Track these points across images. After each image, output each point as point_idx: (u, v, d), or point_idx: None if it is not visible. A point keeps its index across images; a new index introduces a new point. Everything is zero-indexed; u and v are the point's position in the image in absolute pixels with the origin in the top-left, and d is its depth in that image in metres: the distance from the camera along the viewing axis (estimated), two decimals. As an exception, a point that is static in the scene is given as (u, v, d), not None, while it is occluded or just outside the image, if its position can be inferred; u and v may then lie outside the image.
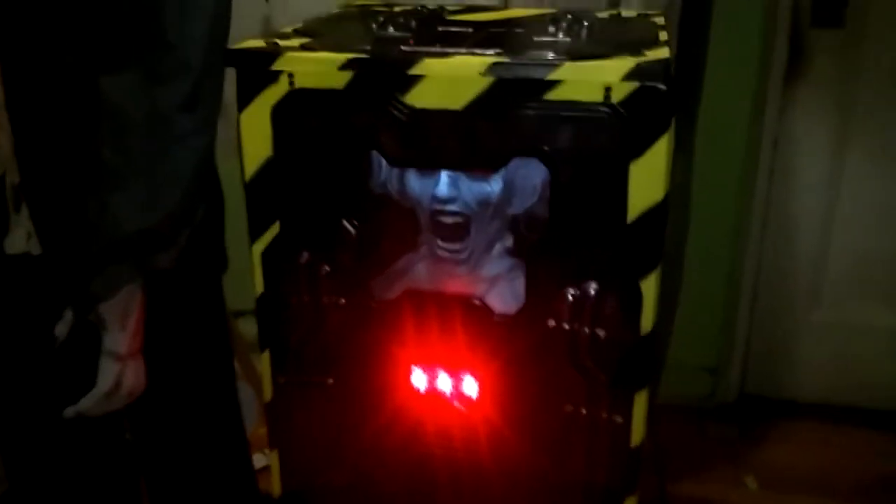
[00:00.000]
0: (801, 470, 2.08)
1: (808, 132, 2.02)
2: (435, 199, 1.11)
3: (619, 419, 1.00)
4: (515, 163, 1.02)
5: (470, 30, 1.11)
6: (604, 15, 1.22)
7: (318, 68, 0.94)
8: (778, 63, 1.92)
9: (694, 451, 2.17)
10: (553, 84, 0.88)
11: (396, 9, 1.28)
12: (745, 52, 1.94)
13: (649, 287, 0.94)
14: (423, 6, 1.29)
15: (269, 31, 2.06)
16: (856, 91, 1.96)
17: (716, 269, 2.16)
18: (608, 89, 0.87)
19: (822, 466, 2.09)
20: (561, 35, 1.02)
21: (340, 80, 0.94)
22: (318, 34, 1.06)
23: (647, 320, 0.95)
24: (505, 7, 1.58)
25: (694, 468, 2.09)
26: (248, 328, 1.11)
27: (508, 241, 1.15)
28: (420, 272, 1.17)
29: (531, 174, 1.06)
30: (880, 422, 2.22)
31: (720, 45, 1.87)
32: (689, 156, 1.80)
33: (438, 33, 1.09)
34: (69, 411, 1.03)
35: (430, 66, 0.91)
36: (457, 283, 1.14)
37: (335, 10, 1.31)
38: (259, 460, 1.46)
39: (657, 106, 0.87)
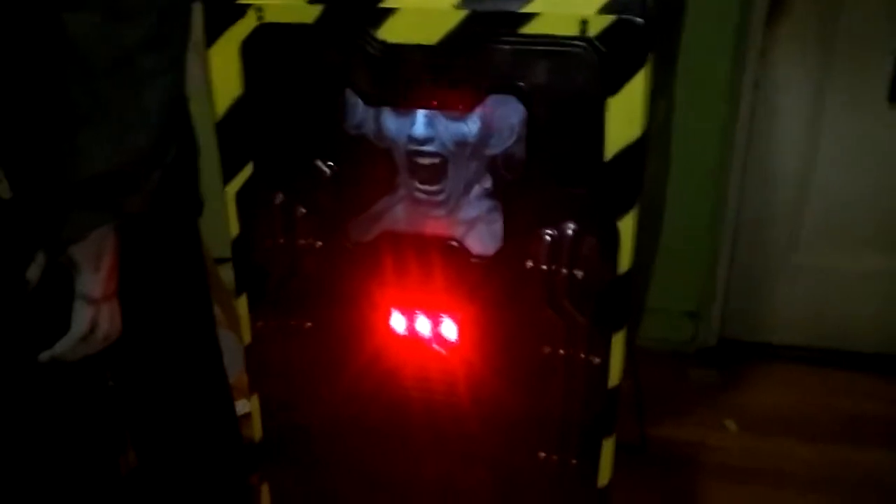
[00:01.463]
0: (780, 412, 2.11)
1: (789, 74, 2.01)
2: (411, 139, 1.09)
3: (596, 360, 1.00)
4: (493, 102, 1.00)
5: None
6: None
7: (288, 1, 0.91)
8: (760, 5, 1.90)
9: (674, 394, 2.20)
10: (528, 17, 0.86)
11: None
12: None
13: (627, 226, 0.93)
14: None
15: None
16: (836, 34, 1.94)
17: (697, 214, 2.16)
18: (584, 22, 0.84)
19: (800, 408, 2.13)
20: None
21: (310, 14, 0.91)
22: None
23: (624, 260, 0.94)
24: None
25: (674, 411, 2.12)
26: (230, 275, 1.10)
27: (487, 183, 1.14)
28: (398, 214, 1.15)
29: (509, 114, 1.04)
30: (857, 363, 2.25)
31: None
32: (669, 99, 1.78)
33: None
34: (44, 355, 1.02)
35: (402, -1, 0.88)
36: (435, 226, 1.12)
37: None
38: (243, 407, 1.46)
39: (634, 40, 0.84)
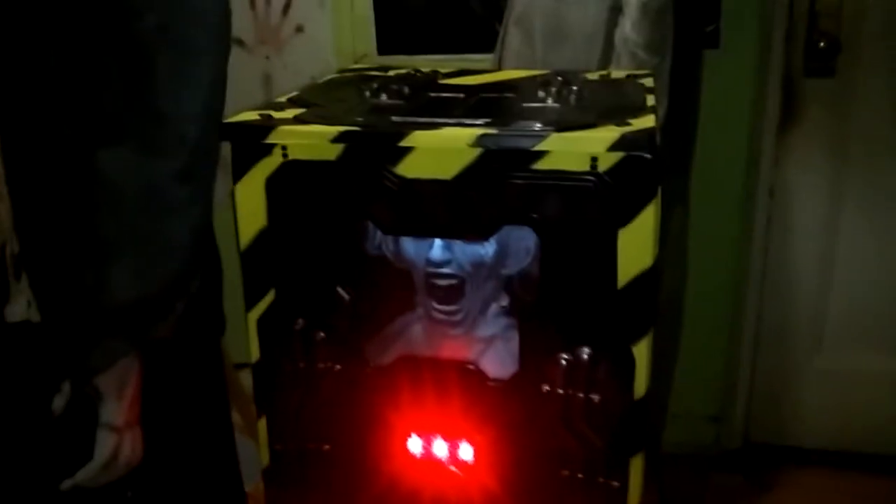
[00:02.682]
0: (808, 518, 2.06)
1: (804, 181, 2.04)
2: (429, 262, 1.12)
3: (615, 483, 1.00)
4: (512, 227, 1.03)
5: (461, 95, 1.13)
6: (594, 76, 1.24)
7: (311, 141, 0.96)
8: (771, 113, 1.94)
9: (699, 500, 2.15)
10: (540, 154, 0.89)
11: (391, 73, 1.30)
12: (739, 103, 1.96)
13: (642, 352, 0.94)
14: (417, 70, 1.31)
15: (268, 90, 2.12)
16: (849, 139, 1.98)
17: (717, 318, 2.16)
18: (594, 159, 0.88)
19: (829, 514, 2.08)
20: (550, 101, 1.04)
21: (332, 152, 0.95)
22: (311, 104, 1.08)
23: (640, 385, 0.95)
24: (498, 67, 1.61)
25: (699, 518, 2.07)
26: (249, 381, 1.12)
27: (504, 301, 1.16)
28: (416, 334, 1.17)
29: (524, 236, 1.07)
30: (886, 467, 2.20)
31: (714, 96, 1.90)
32: (685, 208, 1.82)
33: (430, 100, 1.11)
34: (66, 484, 1.02)
35: (419, 139, 0.92)
36: (453, 345, 1.14)
37: (332, 74, 1.33)
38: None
39: (643, 174, 0.88)
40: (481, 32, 1.83)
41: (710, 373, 2.21)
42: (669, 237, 1.77)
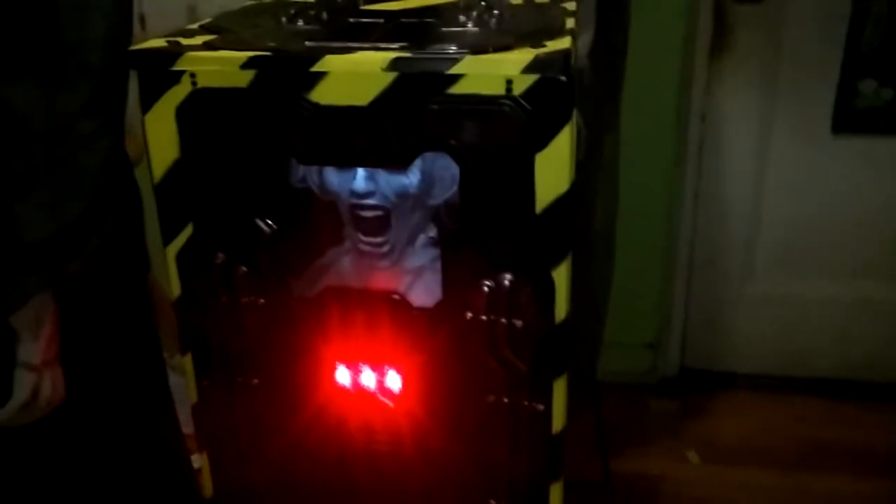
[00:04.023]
0: (742, 441, 2.13)
1: (735, 106, 2.06)
2: (353, 193, 1.10)
3: (540, 407, 1.01)
4: (432, 154, 1.02)
5: (381, 20, 1.10)
6: (517, 0, 1.22)
7: (220, 67, 0.92)
8: (702, 38, 1.95)
9: (636, 426, 2.21)
10: (455, 78, 0.88)
11: None
12: (670, 29, 1.96)
13: (561, 276, 0.95)
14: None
15: (193, 22, 2.04)
16: (779, 63, 2.00)
17: (651, 246, 2.19)
18: (509, 82, 0.87)
19: (761, 436, 2.15)
20: (470, 25, 1.02)
21: (243, 78, 0.92)
22: (224, 30, 1.04)
23: (560, 309, 0.96)
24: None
25: (637, 444, 2.13)
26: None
27: (432, 232, 1.15)
28: (344, 267, 1.16)
29: (449, 164, 1.06)
30: (816, 389, 2.28)
31: (645, 22, 1.88)
32: (615, 134, 1.82)
33: (348, 25, 1.08)
34: (-14, 423, 1.01)
35: (332, 63, 0.90)
36: (381, 277, 1.14)
37: (250, 2, 1.29)
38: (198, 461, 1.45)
39: (559, 97, 0.87)
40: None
41: (645, 300, 2.25)
42: (601, 165, 1.77)
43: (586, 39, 1.40)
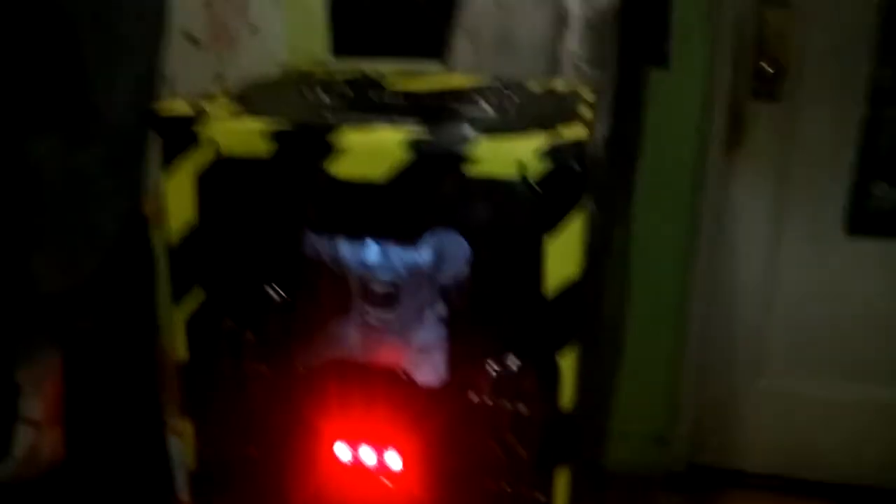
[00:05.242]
0: (748, 541, 2.07)
1: (748, 202, 2.06)
2: (364, 266, 1.11)
3: (541, 497, 0.99)
4: (444, 232, 1.02)
5: (403, 100, 1.13)
6: (536, 86, 1.24)
7: (242, 137, 0.95)
8: (717, 134, 1.97)
9: (641, 520, 2.15)
10: (470, 159, 0.89)
11: (337, 75, 1.30)
12: (686, 124, 1.98)
13: (568, 363, 0.94)
14: (363, 73, 1.30)
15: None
16: (792, 162, 2.01)
17: (660, 339, 2.17)
18: (523, 167, 0.88)
19: (769, 537, 2.09)
20: (488, 108, 1.04)
21: (265, 148, 0.94)
22: (248, 99, 1.06)
23: (566, 396, 0.95)
24: (447, 70, 1.61)
25: (641, 538, 2.07)
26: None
27: (440, 310, 1.15)
28: (351, 339, 1.16)
29: (461, 244, 1.07)
30: (827, 493, 2.22)
31: (661, 116, 1.91)
32: (626, 227, 1.83)
33: (370, 102, 1.11)
34: (-17, 479, 1.00)
35: (351, 138, 0.92)
36: (387, 352, 1.13)
37: (276, 75, 1.32)
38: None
39: (571, 184, 0.88)
40: (435, 38, 1.83)
41: (654, 393, 2.21)
42: (612, 255, 1.78)
43: (601, 129, 1.42)
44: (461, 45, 1.58)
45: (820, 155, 1.99)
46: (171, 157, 0.97)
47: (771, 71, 1.90)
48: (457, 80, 1.28)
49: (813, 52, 1.92)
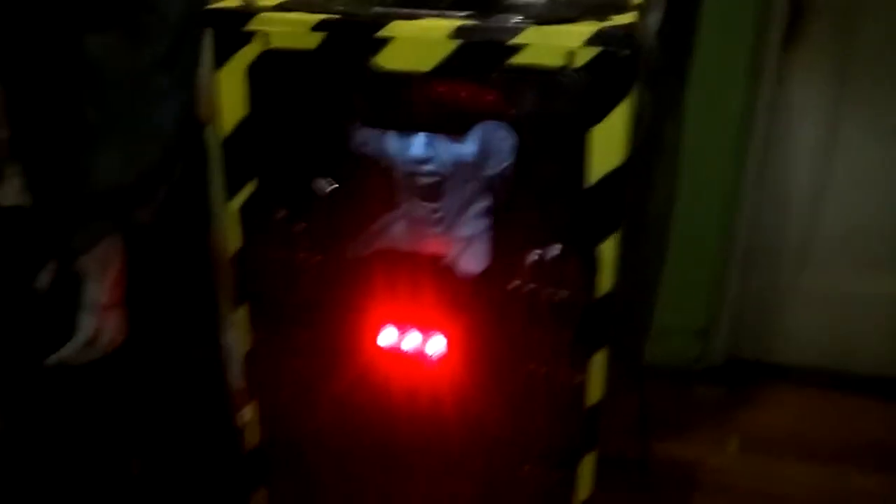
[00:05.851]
0: (784, 432, 2.11)
1: (805, 98, 2.02)
2: (411, 159, 1.13)
3: (578, 378, 1.03)
4: (490, 124, 1.03)
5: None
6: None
7: (291, 29, 0.96)
8: (776, 26, 1.91)
9: (680, 411, 2.20)
10: (517, 48, 0.89)
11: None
12: (744, 16, 1.92)
13: (608, 251, 0.96)
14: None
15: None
16: (852, 59, 1.95)
17: (707, 233, 2.16)
18: (571, 54, 0.88)
19: (806, 431, 2.12)
20: (538, -2, 1.03)
21: (313, 40, 0.95)
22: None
23: (605, 282, 0.98)
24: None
25: (678, 429, 2.12)
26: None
27: (486, 202, 1.17)
28: (398, 231, 1.19)
29: (506, 136, 1.07)
30: (865, 386, 2.24)
31: (718, 6, 1.86)
32: (678, 119, 1.80)
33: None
34: (51, 359, 1.07)
35: (398, 28, 0.92)
36: (432, 243, 1.16)
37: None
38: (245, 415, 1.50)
39: (619, 72, 0.88)
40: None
41: (697, 286, 2.22)
42: (663, 147, 1.76)
43: (656, 17, 1.39)
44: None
45: (881, 52, 1.92)
46: (223, 51, 0.98)
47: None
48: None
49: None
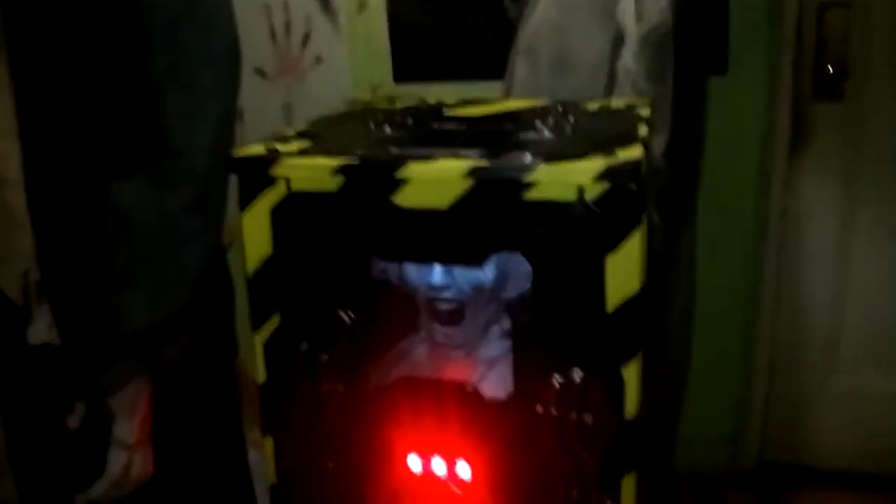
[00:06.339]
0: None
1: (816, 203, 2.05)
2: (431, 286, 1.16)
3: (608, 502, 1.02)
4: (507, 254, 1.06)
5: (462, 127, 1.17)
6: (593, 106, 1.28)
7: (313, 174, 1.00)
8: (782, 137, 1.97)
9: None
10: (529, 185, 0.93)
11: (398, 105, 1.35)
12: (750, 128, 1.99)
13: (631, 373, 0.97)
14: (423, 101, 1.35)
15: (289, 118, 2.18)
16: (859, 162, 2.00)
17: (731, 339, 2.17)
18: (581, 189, 0.91)
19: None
20: (546, 131, 1.08)
21: (333, 183, 1.00)
22: (317, 136, 1.12)
23: (630, 405, 0.98)
24: (506, 96, 1.65)
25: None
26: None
27: (505, 324, 1.19)
28: (419, 355, 1.21)
29: (523, 261, 1.11)
30: (899, 488, 2.19)
31: (725, 121, 1.92)
32: (692, 231, 1.84)
33: (431, 132, 1.16)
34: (80, 499, 1.08)
35: (414, 170, 0.97)
36: (454, 367, 1.17)
37: (341, 109, 1.38)
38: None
39: (629, 203, 0.91)
40: (494, 60, 1.88)
41: (724, 394, 2.22)
42: (679, 261, 1.79)
43: (662, 141, 1.44)
44: (519, 66, 1.62)
45: (886, 153, 1.97)
46: (247, 195, 1.03)
47: (833, 71, 1.89)
48: (514, 103, 1.32)
49: (875, 50, 1.90)
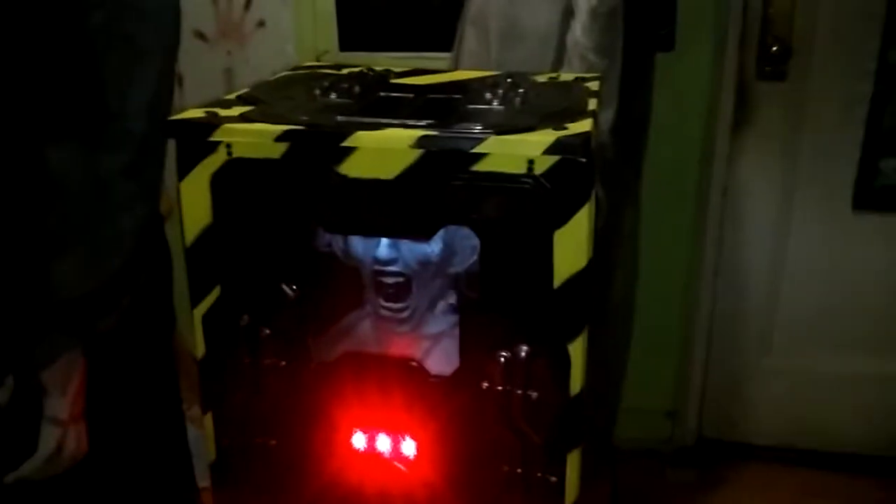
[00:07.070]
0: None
1: (756, 181, 2.08)
2: (376, 260, 1.13)
3: (553, 478, 1.02)
4: (455, 227, 1.05)
5: (410, 96, 1.14)
6: (543, 78, 1.26)
7: (255, 139, 0.97)
8: (725, 114, 1.98)
9: (652, 494, 2.19)
10: (479, 156, 0.91)
11: (344, 71, 1.31)
12: (694, 105, 2.00)
13: (577, 350, 0.96)
14: (370, 69, 1.32)
15: (230, 83, 2.12)
16: (800, 140, 2.03)
17: (670, 315, 2.20)
18: (531, 162, 0.90)
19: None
20: (495, 103, 1.06)
21: (277, 150, 0.96)
22: (260, 101, 1.08)
23: (576, 382, 0.98)
24: (455, 67, 1.62)
25: (652, 512, 2.11)
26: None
27: (451, 299, 1.18)
28: (364, 331, 1.19)
29: (470, 235, 1.09)
30: (834, 464, 2.25)
31: (669, 98, 1.93)
32: (636, 207, 1.85)
33: (378, 100, 1.13)
34: (10, 476, 1.03)
35: (361, 139, 0.94)
36: (400, 342, 1.16)
37: (285, 72, 1.34)
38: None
39: (578, 178, 0.90)
40: (442, 31, 1.85)
41: (664, 369, 2.25)
42: (622, 237, 1.80)
43: (609, 116, 1.43)
44: (468, 36, 1.59)
45: (827, 132, 2.00)
46: (186, 161, 0.99)
47: (778, 50, 1.91)
48: (463, 73, 1.30)
49: (819, 30, 1.92)
